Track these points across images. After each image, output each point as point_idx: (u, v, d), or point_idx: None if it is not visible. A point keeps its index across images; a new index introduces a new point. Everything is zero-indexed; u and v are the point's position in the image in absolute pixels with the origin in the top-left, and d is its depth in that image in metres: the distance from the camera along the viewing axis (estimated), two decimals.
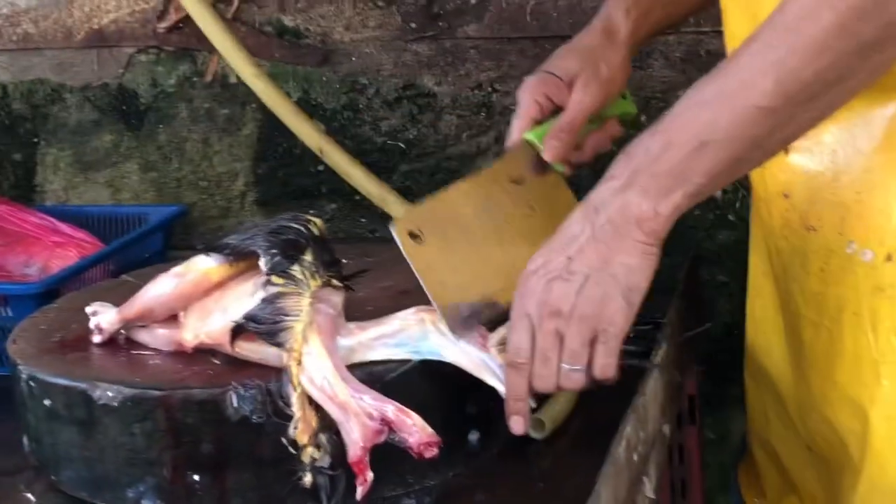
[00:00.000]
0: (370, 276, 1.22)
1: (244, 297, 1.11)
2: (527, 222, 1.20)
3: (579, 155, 1.25)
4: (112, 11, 1.82)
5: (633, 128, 1.20)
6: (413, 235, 1.15)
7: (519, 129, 1.22)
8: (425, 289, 1.12)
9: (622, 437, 1.07)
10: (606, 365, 1.05)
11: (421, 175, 1.78)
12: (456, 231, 1.17)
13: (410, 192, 1.74)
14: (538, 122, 1.22)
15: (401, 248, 1.14)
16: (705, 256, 1.66)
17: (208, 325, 1.13)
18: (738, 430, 1.70)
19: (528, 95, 1.23)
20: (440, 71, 1.72)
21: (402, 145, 1.76)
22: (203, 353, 1.15)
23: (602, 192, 1.04)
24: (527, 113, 1.22)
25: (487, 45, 1.70)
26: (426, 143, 1.77)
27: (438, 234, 1.16)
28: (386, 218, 1.72)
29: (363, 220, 1.81)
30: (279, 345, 1.06)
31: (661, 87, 1.65)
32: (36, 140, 1.91)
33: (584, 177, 1.23)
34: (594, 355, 1.05)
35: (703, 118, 0.99)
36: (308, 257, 1.10)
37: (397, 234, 1.14)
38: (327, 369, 1.05)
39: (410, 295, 1.27)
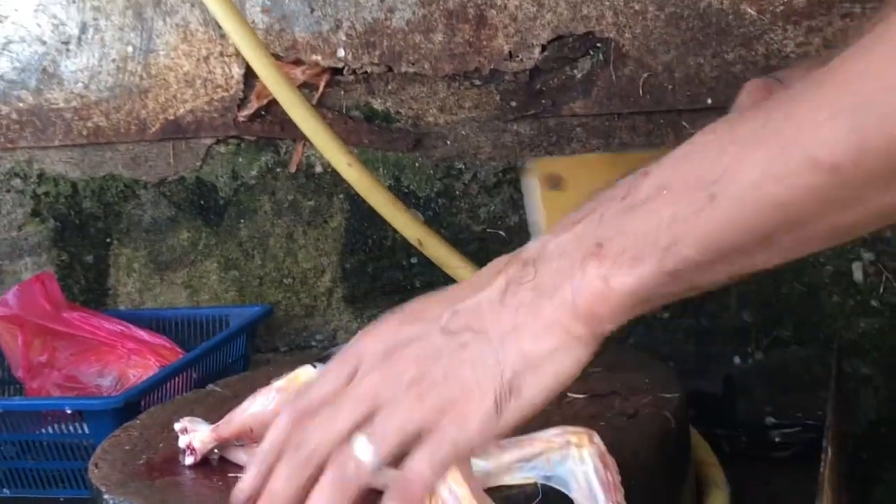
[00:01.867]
0: None
1: None
2: None
3: None
4: (189, 101, 1.73)
5: None
6: (553, 183, 0.95)
7: None
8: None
9: None
10: (416, 478, 0.72)
11: None
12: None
13: None
14: None
15: (529, 193, 0.93)
16: (846, 347, 1.52)
17: None
18: None
19: (745, 98, 0.98)
20: (543, 152, 1.61)
21: (503, 234, 1.64)
22: None
23: (545, 242, 0.73)
24: None
25: (595, 122, 1.58)
26: (529, 231, 1.64)
27: (582, 187, 0.95)
28: None
29: None
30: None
31: None
32: (108, 240, 1.81)
33: None
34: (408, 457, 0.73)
35: (723, 162, 0.65)
36: None
37: (534, 175, 0.91)
38: (463, 497, 0.91)
39: None
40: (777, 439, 1.29)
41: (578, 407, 1.13)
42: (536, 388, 0.72)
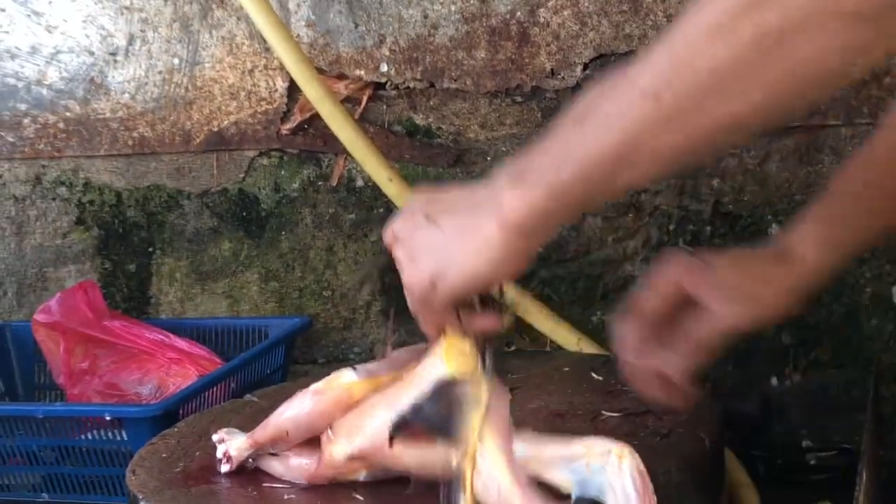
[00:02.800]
0: (518, 396, 1.09)
1: (401, 398, 0.99)
2: None
3: None
4: (233, 113, 1.74)
5: None
6: None
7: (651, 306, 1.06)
8: None
9: None
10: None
11: (561, 282, 1.65)
12: None
13: (550, 301, 1.62)
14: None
15: None
16: (885, 371, 1.51)
17: (359, 434, 1.01)
18: None
19: (663, 275, 1.06)
20: None
21: (541, 250, 1.64)
22: (343, 487, 1.03)
23: (506, 165, 0.91)
24: (652, 296, 1.06)
25: None
26: (567, 248, 1.64)
27: None
28: (525, 328, 1.61)
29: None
30: (450, 437, 0.93)
31: None
32: (151, 249, 1.83)
33: None
34: None
35: (587, 104, 0.84)
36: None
37: None
38: (503, 476, 0.91)
39: (566, 418, 1.15)
40: (813, 462, 1.28)
41: (613, 425, 1.13)
42: (459, 276, 0.91)
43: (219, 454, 1.10)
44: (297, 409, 1.06)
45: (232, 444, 1.10)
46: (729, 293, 1.04)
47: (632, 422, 1.13)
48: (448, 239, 0.92)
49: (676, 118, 0.79)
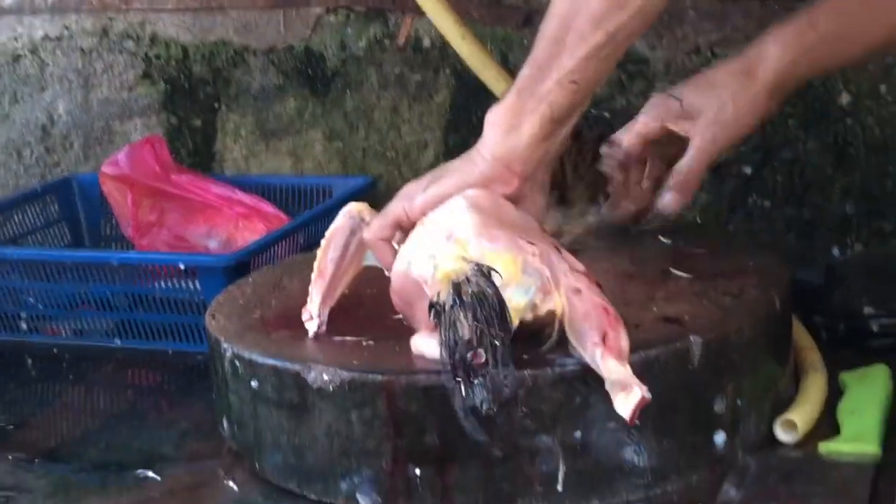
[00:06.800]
0: (585, 257, 1.10)
1: None
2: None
3: None
4: None
5: None
6: None
7: (628, 142, 1.18)
8: None
9: None
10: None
11: None
12: None
13: None
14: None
15: None
16: None
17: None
18: None
19: (647, 116, 1.18)
20: (654, 33, 1.59)
21: (609, 115, 1.63)
22: None
23: None
24: (642, 130, 1.18)
25: (708, 5, 1.56)
26: (637, 114, 1.63)
27: None
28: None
29: None
30: None
31: None
32: (217, 105, 1.83)
33: None
34: None
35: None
36: None
37: None
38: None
39: (635, 278, 1.17)
40: (875, 328, 1.29)
41: (683, 285, 1.15)
42: (447, 182, 1.05)
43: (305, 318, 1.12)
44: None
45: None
46: (697, 120, 1.14)
47: (702, 282, 1.14)
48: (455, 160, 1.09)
49: None
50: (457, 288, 0.94)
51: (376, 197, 1.75)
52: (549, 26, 1.03)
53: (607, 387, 0.92)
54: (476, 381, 0.92)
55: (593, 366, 0.93)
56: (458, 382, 0.92)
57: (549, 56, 1.01)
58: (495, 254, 0.97)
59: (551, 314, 0.97)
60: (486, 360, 0.91)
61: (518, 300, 0.95)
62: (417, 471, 0.99)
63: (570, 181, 1.21)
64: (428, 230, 1.02)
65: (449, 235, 0.99)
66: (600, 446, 0.98)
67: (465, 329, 0.92)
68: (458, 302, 0.93)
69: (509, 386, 0.92)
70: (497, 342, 0.91)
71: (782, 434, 1.07)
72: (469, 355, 0.91)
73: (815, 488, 0.98)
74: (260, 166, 1.82)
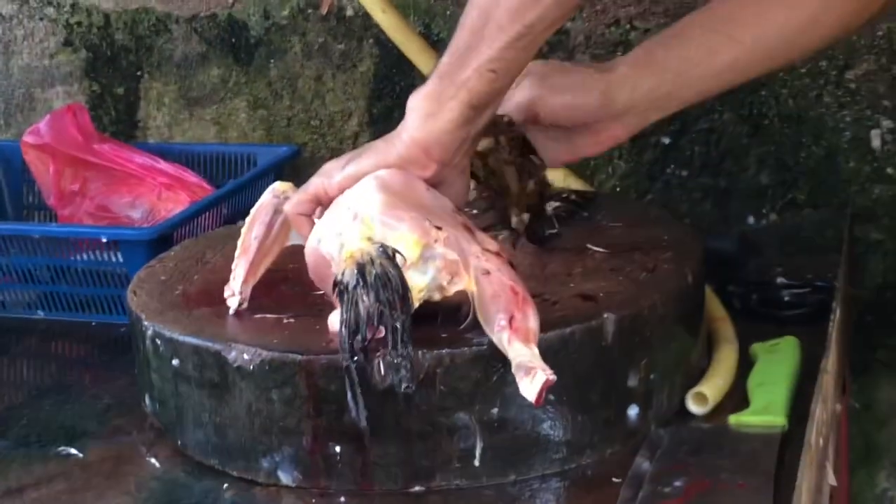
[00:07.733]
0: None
1: None
2: None
3: None
4: None
5: None
6: None
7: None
8: None
9: (813, 421, 0.96)
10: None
11: None
12: None
13: None
14: None
15: None
16: (859, 212, 1.55)
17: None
18: (884, 399, 1.60)
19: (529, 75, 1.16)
20: None
21: None
22: None
23: None
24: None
25: None
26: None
27: None
28: None
29: None
30: None
31: None
32: (139, 73, 1.83)
33: None
34: None
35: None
36: None
37: None
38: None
39: (552, 253, 1.18)
40: (787, 298, 1.32)
41: (599, 260, 1.17)
42: (365, 161, 1.06)
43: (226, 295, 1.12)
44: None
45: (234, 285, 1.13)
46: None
47: (618, 257, 1.16)
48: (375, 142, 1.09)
49: None
50: (361, 268, 0.95)
51: (301, 165, 1.76)
52: (469, 17, 1.03)
53: (513, 369, 0.93)
54: (374, 362, 0.95)
55: (500, 347, 0.95)
56: (355, 362, 0.94)
57: (468, 46, 1.02)
58: (398, 234, 0.98)
59: (462, 294, 0.98)
60: (386, 340, 0.93)
61: (417, 281, 0.97)
62: (337, 448, 1.00)
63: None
64: (338, 208, 1.03)
65: (355, 215, 1.00)
66: (517, 422, 1.00)
67: (366, 309, 0.93)
68: (360, 282, 0.94)
69: (406, 368, 0.94)
70: (398, 324, 0.93)
71: (693, 407, 1.10)
72: (369, 335, 0.93)
73: (723, 461, 1.00)
74: (183, 134, 1.82)
